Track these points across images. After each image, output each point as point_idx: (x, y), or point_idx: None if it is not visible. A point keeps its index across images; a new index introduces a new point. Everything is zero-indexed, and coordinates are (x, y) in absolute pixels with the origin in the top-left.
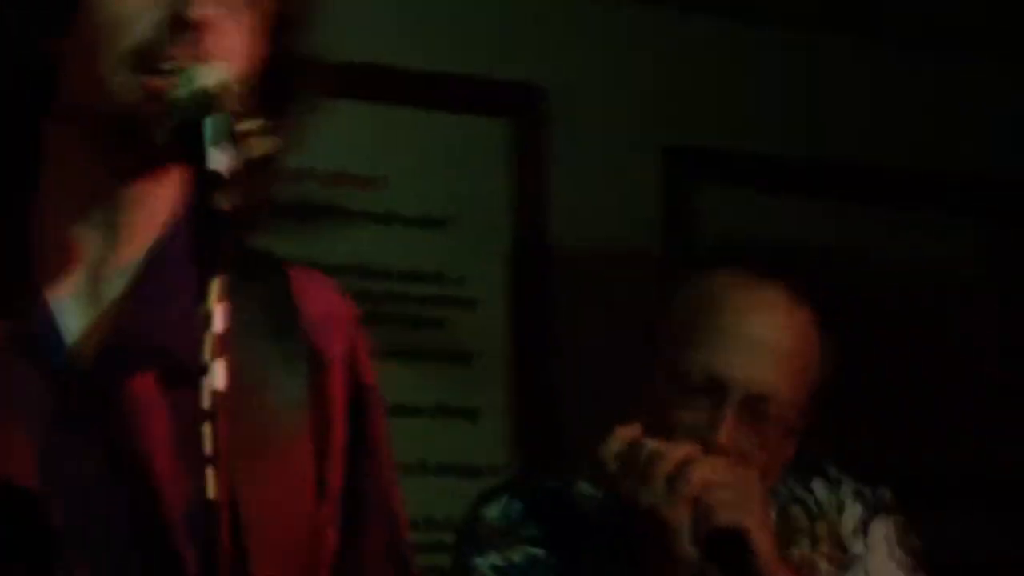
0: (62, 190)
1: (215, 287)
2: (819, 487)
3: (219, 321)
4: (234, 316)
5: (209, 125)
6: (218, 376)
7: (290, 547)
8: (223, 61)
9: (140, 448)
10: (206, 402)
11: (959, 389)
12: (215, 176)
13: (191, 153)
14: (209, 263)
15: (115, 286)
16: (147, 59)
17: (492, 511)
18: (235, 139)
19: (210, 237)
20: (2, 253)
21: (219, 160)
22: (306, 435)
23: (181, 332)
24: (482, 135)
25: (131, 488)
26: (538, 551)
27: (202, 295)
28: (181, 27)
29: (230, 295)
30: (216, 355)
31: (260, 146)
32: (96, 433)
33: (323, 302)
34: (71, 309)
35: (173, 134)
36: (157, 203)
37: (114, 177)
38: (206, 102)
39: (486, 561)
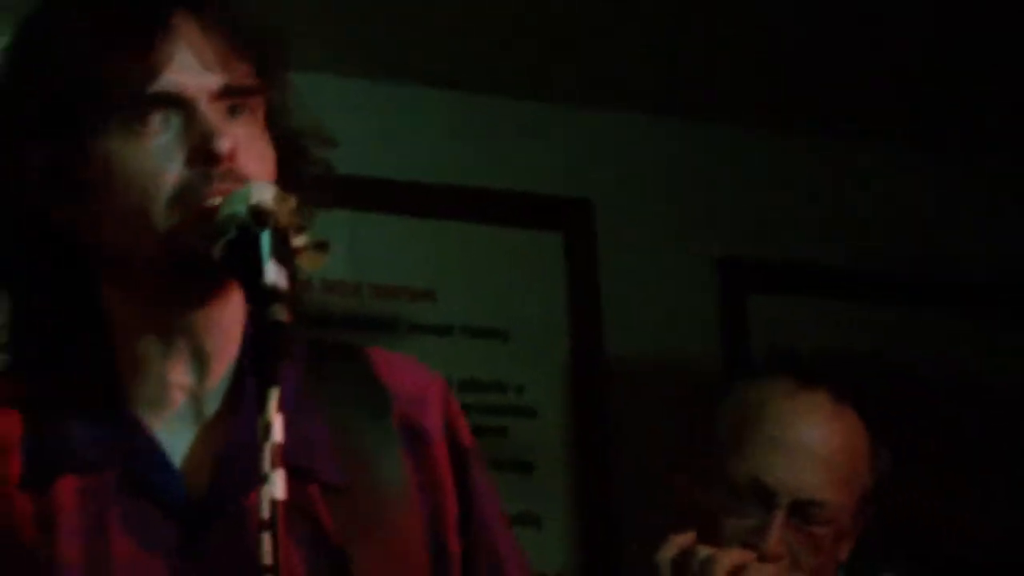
0: (139, 326)
1: (273, 398)
2: None
3: (277, 432)
4: (332, 403)
5: (266, 239)
6: (277, 486)
7: None
8: (258, 176)
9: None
10: (265, 512)
11: (1008, 496)
12: (273, 289)
13: (246, 267)
14: (267, 375)
15: (211, 407)
16: (191, 201)
17: None
18: (290, 254)
19: (267, 349)
20: (95, 391)
21: (275, 273)
22: (415, 509)
23: (286, 440)
24: (536, 248)
25: None
26: None
27: (261, 406)
28: (214, 162)
29: (322, 384)
30: (275, 465)
31: (312, 260)
32: (225, 559)
33: (410, 378)
34: (176, 438)
35: (228, 248)
36: (230, 323)
37: (186, 307)
38: (263, 217)
39: None
